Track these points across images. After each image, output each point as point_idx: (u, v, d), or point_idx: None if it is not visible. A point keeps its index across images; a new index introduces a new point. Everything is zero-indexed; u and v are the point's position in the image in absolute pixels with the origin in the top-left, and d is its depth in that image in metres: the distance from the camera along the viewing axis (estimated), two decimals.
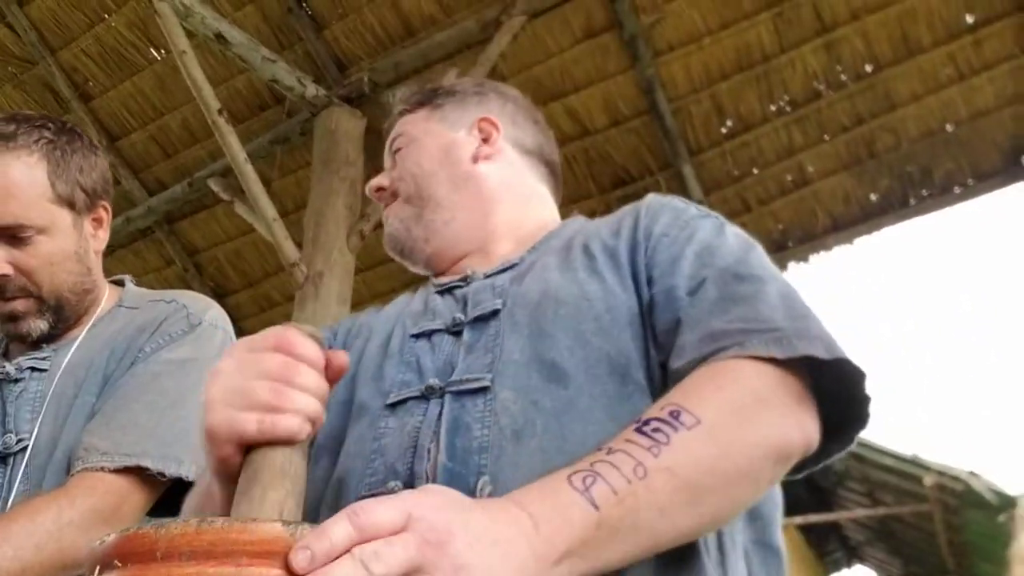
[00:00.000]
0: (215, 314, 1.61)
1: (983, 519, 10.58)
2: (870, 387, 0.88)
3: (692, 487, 0.77)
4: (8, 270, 1.46)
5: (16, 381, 1.49)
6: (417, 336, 1.12)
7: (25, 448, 1.41)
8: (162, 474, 1.35)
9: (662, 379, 0.96)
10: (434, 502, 0.68)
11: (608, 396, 0.93)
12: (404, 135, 1.36)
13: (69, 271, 1.53)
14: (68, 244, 1.52)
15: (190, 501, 1.06)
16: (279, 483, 0.75)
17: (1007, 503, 10.07)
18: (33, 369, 1.51)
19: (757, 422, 0.82)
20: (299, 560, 0.59)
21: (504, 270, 1.18)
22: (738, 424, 0.81)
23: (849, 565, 17.58)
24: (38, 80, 5.14)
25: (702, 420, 0.79)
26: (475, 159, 1.31)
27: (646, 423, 0.80)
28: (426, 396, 1.00)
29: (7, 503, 1.37)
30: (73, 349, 1.53)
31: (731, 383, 0.84)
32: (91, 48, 4.91)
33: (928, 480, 10.65)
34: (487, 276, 1.18)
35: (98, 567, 0.61)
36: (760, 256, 1.03)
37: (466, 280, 1.19)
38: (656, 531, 0.76)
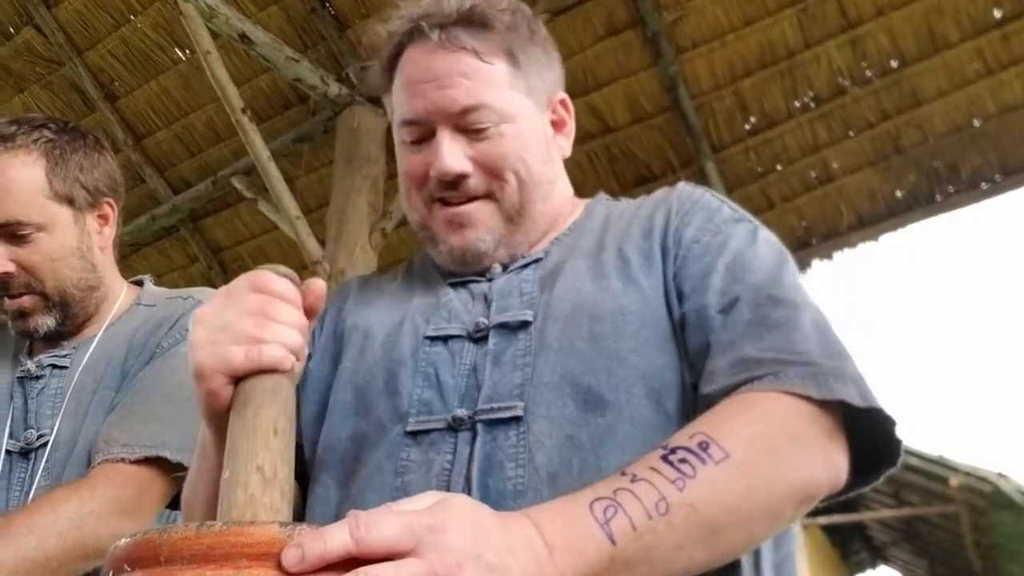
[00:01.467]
0: None
1: (1011, 520, 10.47)
2: (900, 432, 0.87)
3: (712, 524, 0.75)
4: (10, 267, 1.48)
5: (37, 378, 1.52)
6: (432, 339, 1.04)
7: (46, 444, 1.43)
8: (181, 465, 1.36)
9: (694, 403, 0.93)
10: (448, 524, 0.65)
11: (645, 422, 0.90)
12: (490, 108, 1.07)
13: (72, 267, 1.54)
14: (69, 241, 1.53)
15: (190, 472, 1.05)
16: (271, 402, 0.78)
17: None
18: (54, 366, 1.53)
19: (787, 462, 0.80)
20: (289, 557, 0.59)
21: (527, 265, 1.10)
22: (768, 463, 0.79)
23: (874, 566, 17.44)
24: (65, 80, 5.21)
25: (731, 455, 0.77)
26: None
27: (673, 451, 0.77)
28: (453, 428, 0.94)
29: (29, 497, 1.39)
30: (93, 347, 1.55)
31: (763, 418, 0.82)
32: (117, 49, 4.97)
33: (954, 481, 10.55)
34: (507, 269, 1.11)
35: (111, 572, 0.63)
36: (793, 273, 1.00)
37: (484, 275, 1.11)
38: (669, 565, 0.74)
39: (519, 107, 1.10)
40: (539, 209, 1.12)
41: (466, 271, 1.12)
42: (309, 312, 0.87)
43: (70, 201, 1.54)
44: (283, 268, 0.88)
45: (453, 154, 1.06)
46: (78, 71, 5.07)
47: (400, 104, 1.12)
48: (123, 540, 0.64)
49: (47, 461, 1.42)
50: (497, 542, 0.67)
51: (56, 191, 1.51)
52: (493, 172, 1.08)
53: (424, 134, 1.09)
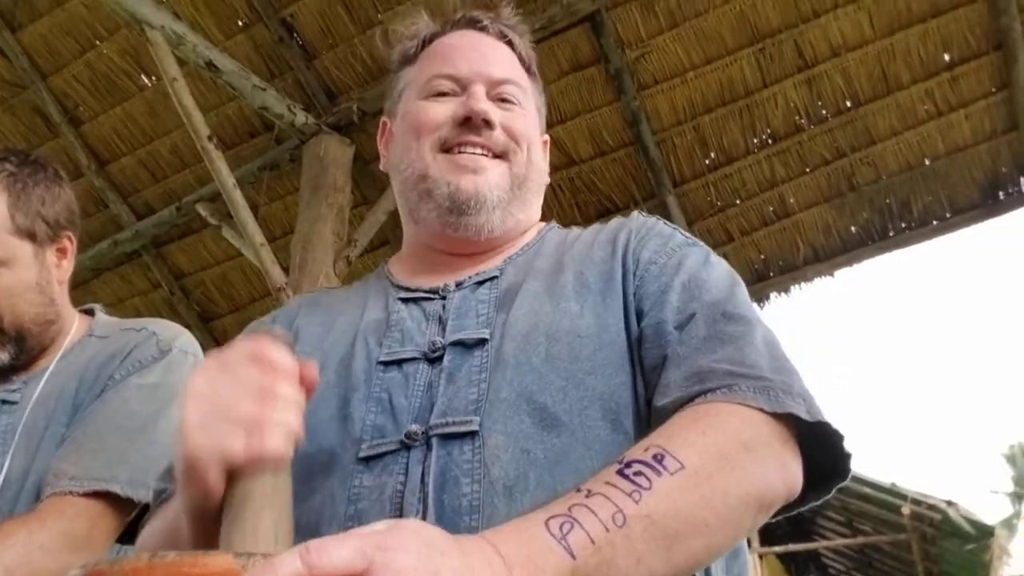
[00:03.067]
0: (185, 340, 1.59)
1: (960, 549, 10.63)
2: (849, 446, 0.89)
3: (671, 535, 0.74)
4: None
5: None
6: (387, 364, 1.01)
7: None
8: (131, 499, 1.34)
9: (649, 418, 0.93)
10: (400, 545, 0.62)
11: (601, 442, 0.90)
12: (519, 87, 1.21)
13: (30, 302, 1.51)
14: (29, 275, 1.51)
15: (147, 538, 1.01)
16: (271, 504, 0.71)
17: (984, 533, 10.13)
18: (4, 402, 1.49)
19: (742, 470, 0.80)
20: None
21: (482, 283, 1.10)
22: (723, 471, 0.78)
23: None
24: (28, 105, 5.16)
25: (686, 466, 0.77)
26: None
27: (628, 465, 0.77)
28: (406, 446, 0.91)
29: None
30: (44, 380, 1.51)
31: (717, 428, 0.82)
32: (82, 74, 4.94)
33: (906, 509, 10.70)
34: (459, 286, 1.10)
35: None
36: (744, 293, 1.03)
37: (438, 293, 1.10)
38: None
39: (532, 107, 1.23)
40: (530, 199, 1.19)
41: (455, 228, 1.13)
42: (305, 393, 0.81)
43: (31, 235, 1.52)
44: (279, 330, 0.81)
45: (487, 102, 1.15)
46: (42, 95, 5.02)
47: (434, 63, 1.20)
48: (72, 572, 0.61)
49: None
50: (453, 560, 0.65)
51: (18, 226, 1.49)
52: (513, 136, 1.15)
53: (454, 89, 1.16)
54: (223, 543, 0.70)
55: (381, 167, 1.29)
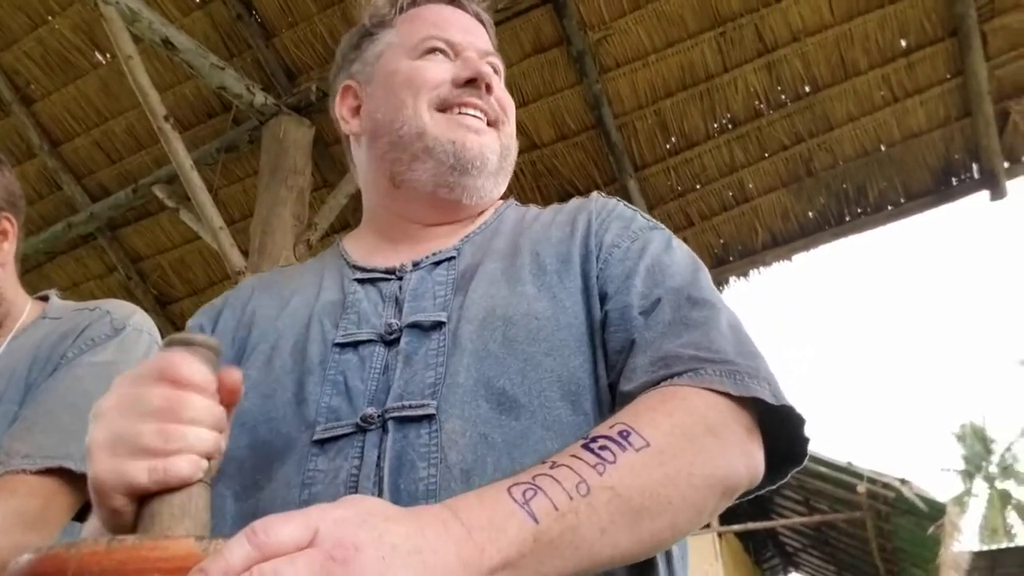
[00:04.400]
0: (139, 319, 1.58)
1: (913, 526, 10.85)
2: (809, 431, 0.90)
3: (635, 509, 0.74)
4: None
5: None
6: (343, 346, 1.01)
7: None
8: (86, 476, 1.34)
9: (611, 402, 0.93)
10: (345, 514, 0.63)
11: (561, 423, 0.90)
12: (500, 62, 1.25)
13: None
14: None
15: (90, 529, 0.98)
16: (179, 524, 0.69)
17: (936, 510, 10.35)
18: None
19: (707, 453, 0.80)
20: None
21: (439, 263, 1.09)
22: (688, 452, 0.79)
23: (786, 571, 17.90)
24: None
25: (651, 443, 0.77)
26: None
27: (594, 440, 0.77)
28: (362, 428, 0.90)
29: None
30: None
31: (683, 411, 0.82)
32: (33, 51, 4.84)
33: (860, 488, 10.89)
34: (416, 266, 1.10)
35: None
36: (707, 277, 1.03)
37: (394, 273, 1.10)
38: (595, 550, 0.73)
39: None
40: (506, 174, 1.20)
41: (448, 187, 1.13)
42: (226, 404, 0.77)
43: None
44: (200, 337, 0.77)
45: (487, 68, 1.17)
46: None
47: (423, 28, 1.20)
48: (26, 556, 0.60)
49: None
50: (402, 526, 0.64)
51: None
52: (503, 107, 1.18)
53: (447, 52, 1.18)
54: None
55: (345, 131, 1.25)
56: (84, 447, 1.29)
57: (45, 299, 1.68)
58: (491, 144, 1.14)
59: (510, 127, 1.20)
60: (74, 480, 1.35)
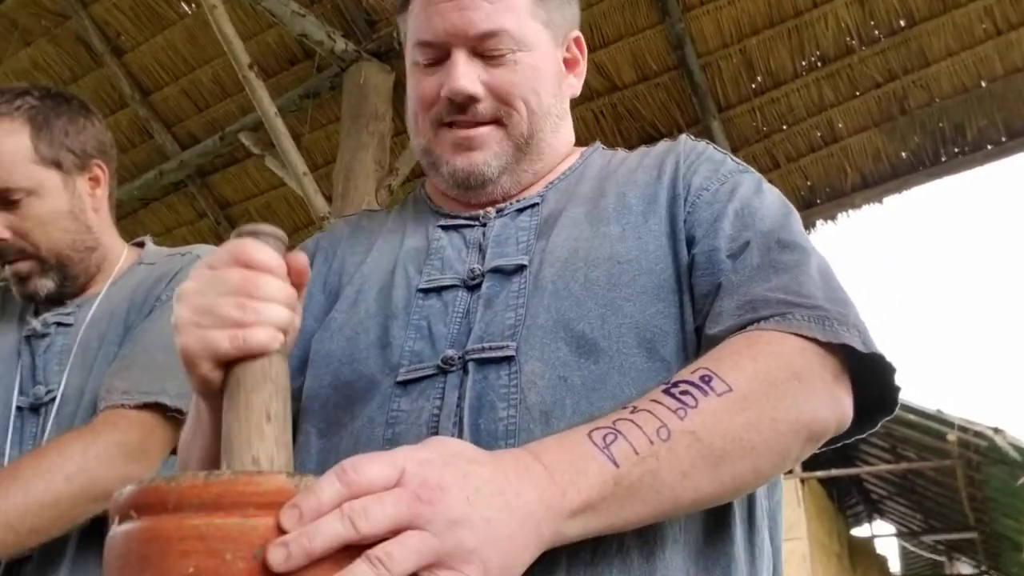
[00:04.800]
0: None
1: (1005, 475, 10.58)
2: (899, 380, 0.88)
3: (717, 454, 0.74)
4: (4, 234, 1.52)
5: (44, 336, 1.56)
6: (426, 292, 1.02)
7: (54, 399, 1.48)
8: (180, 411, 1.40)
9: (696, 346, 0.92)
10: (430, 456, 0.65)
11: (637, 370, 0.89)
12: (508, 34, 1.06)
13: (65, 229, 1.57)
14: (60, 204, 1.56)
15: (184, 431, 1.04)
16: (261, 386, 0.75)
17: None
18: (59, 324, 1.57)
19: (791, 398, 0.79)
20: (287, 519, 0.59)
21: (522, 209, 1.09)
22: (772, 397, 0.78)
23: (870, 519, 17.68)
24: (71, 34, 5.19)
25: (734, 388, 0.77)
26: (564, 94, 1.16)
27: (675, 384, 0.77)
28: (443, 370, 0.92)
29: None
30: (96, 304, 1.58)
31: (768, 355, 0.81)
32: (123, 2, 4.95)
33: (951, 436, 10.63)
34: (500, 212, 1.09)
35: (117, 518, 0.63)
36: (798, 221, 1.00)
37: (478, 220, 1.09)
38: (676, 494, 0.73)
39: (537, 37, 1.08)
40: (547, 141, 1.11)
41: (465, 197, 1.11)
42: (295, 285, 0.82)
43: (57, 164, 1.56)
44: (267, 228, 0.82)
45: (466, 76, 1.04)
46: (84, 24, 5.05)
47: (417, 24, 1.09)
48: (128, 487, 0.63)
49: (56, 415, 1.46)
50: (485, 468, 0.66)
51: (42, 155, 1.54)
52: (503, 99, 1.06)
53: (439, 56, 1.07)
54: (223, 423, 0.75)
55: None
56: (179, 382, 1.34)
57: (141, 245, 1.75)
58: (491, 151, 1.07)
59: (524, 109, 1.07)
60: (170, 416, 1.42)
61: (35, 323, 1.58)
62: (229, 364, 0.77)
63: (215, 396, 0.79)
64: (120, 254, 1.69)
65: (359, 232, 1.19)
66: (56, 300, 1.60)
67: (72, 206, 1.58)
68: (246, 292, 0.77)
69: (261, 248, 0.79)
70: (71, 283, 1.60)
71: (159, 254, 1.71)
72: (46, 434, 1.45)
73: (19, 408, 1.49)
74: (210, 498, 0.59)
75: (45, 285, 1.57)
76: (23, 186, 1.52)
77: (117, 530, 0.63)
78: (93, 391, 1.46)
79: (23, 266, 1.56)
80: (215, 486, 0.60)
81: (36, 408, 1.49)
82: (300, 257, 0.82)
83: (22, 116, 1.54)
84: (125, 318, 1.55)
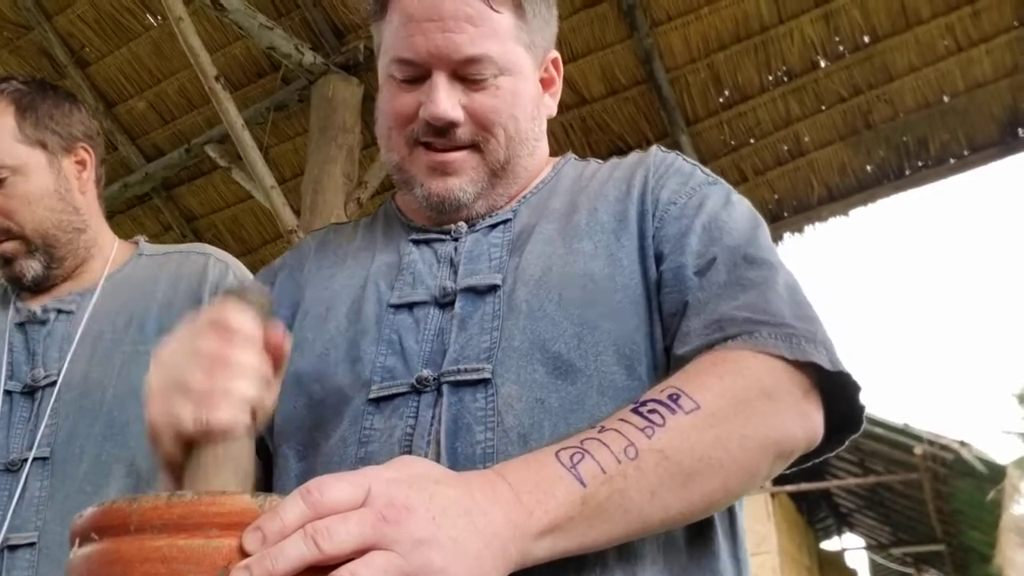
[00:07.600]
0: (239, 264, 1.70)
1: (972, 488, 10.71)
2: (864, 398, 0.89)
3: (685, 472, 0.74)
4: None
5: (43, 322, 1.56)
6: (397, 307, 1.00)
7: (53, 384, 1.48)
8: None
9: (667, 367, 0.92)
10: (396, 476, 0.65)
11: (616, 388, 0.89)
12: (491, 60, 1.03)
13: (50, 208, 1.57)
14: (45, 183, 1.57)
15: None
16: (222, 468, 0.73)
17: (996, 472, 10.19)
18: (59, 311, 1.57)
19: (760, 416, 0.79)
20: (250, 541, 0.58)
21: (495, 225, 1.07)
22: (740, 415, 0.78)
23: (839, 532, 17.80)
24: (34, 46, 5.11)
25: (702, 406, 0.77)
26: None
27: (643, 403, 0.77)
28: (417, 390, 0.91)
29: (35, 436, 1.43)
30: (97, 294, 1.59)
31: (736, 373, 0.81)
32: (87, 14, 4.89)
33: (918, 449, 10.76)
34: (472, 228, 1.07)
35: (77, 540, 0.62)
36: (766, 234, 1.00)
37: (449, 234, 1.07)
38: (645, 513, 0.73)
39: (519, 61, 1.06)
40: (524, 165, 1.09)
41: (439, 219, 1.08)
42: (273, 359, 0.80)
43: (43, 145, 1.58)
44: (253, 291, 0.81)
45: (448, 100, 1.01)
46: (48, 36, 4.98)
47: (396, 39, 1.04)
48: (89, 509, 0.62)
49: (56, 401, 1.46)
50: (451, 489, 0.66)
51: (27, 135, 1.56)
52: (483, 124, 1.04)
53: (418, 75, 1.03)
54: None
55: None
56: None
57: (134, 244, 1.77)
58: (467, 177, 1.05)
59: (502, 135, 1.05)
60: None
61: (35, 308, 1.57)
62: (192, 443, 0.74)
63: (178, 472, 0.76)
64: (112, 243, 1.69)
65: (326, 246, 1.18)
66: (43, 284, 1.60)
67: (58, 186, 1.59)
68: (219, 360, 0.74)
69: (240, 315, 0.77)
70: (58, 265, 1.60)
71: (162, 249, 1.72)
72: (42, 419, 1.44)
73: (7, 392, 1.49)
74: (172, 519, 0.59)
75: (31, 267, 1.57)
76: (7, 164, 1.53)
77: (77, 553, 0.62)
78: (99, 381, 1.47)
79: (8, 247, 1.56)
80: (178, 507, 0.59)
81: (32, 391, 1.49)
82: (277, 332, 0.80)
83: (7, 98, 1.56)
84: (158, 318, 1.54)
